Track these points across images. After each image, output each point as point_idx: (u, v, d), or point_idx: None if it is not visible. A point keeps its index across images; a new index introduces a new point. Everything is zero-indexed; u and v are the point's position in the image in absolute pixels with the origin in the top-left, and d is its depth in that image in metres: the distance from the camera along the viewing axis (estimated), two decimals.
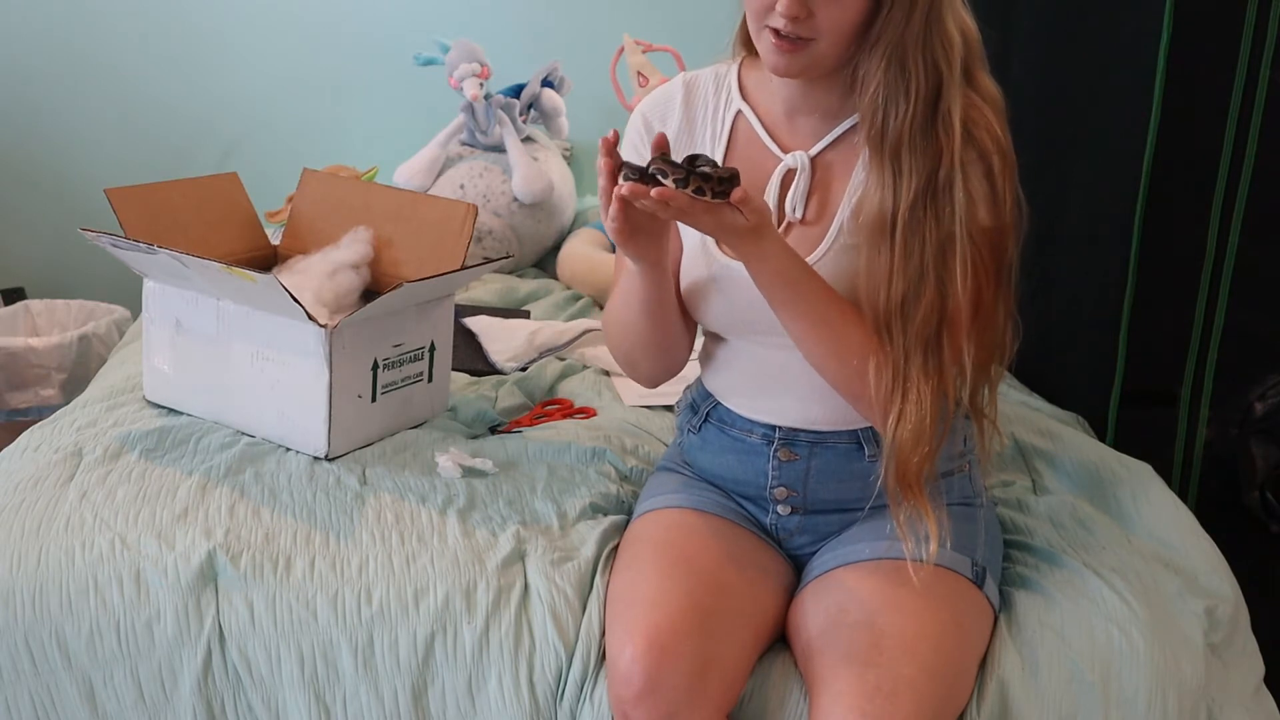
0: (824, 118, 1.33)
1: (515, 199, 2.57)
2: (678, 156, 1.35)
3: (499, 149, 2.64)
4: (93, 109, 3.02)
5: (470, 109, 2.63)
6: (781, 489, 1.39)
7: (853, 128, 1.31)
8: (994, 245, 1.25)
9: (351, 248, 1.83)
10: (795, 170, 1.34)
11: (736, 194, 1.16)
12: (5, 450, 1.64)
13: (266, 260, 1.94)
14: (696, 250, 1.37)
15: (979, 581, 1.31)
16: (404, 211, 1.85)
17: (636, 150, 1.42)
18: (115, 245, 1.59)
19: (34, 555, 1.36)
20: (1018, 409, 1.87)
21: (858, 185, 1.29)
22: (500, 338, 2.08)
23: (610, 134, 1.20)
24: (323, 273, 1.80)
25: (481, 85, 2.64)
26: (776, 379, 1.36)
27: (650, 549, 1.35)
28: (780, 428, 1.38)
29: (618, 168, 1.19)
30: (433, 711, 1.30)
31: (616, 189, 1.17)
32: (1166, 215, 1.78)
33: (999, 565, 1.40)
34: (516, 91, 2.73)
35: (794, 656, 1.30)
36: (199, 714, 1.32)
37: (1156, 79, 1.72)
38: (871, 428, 1.32)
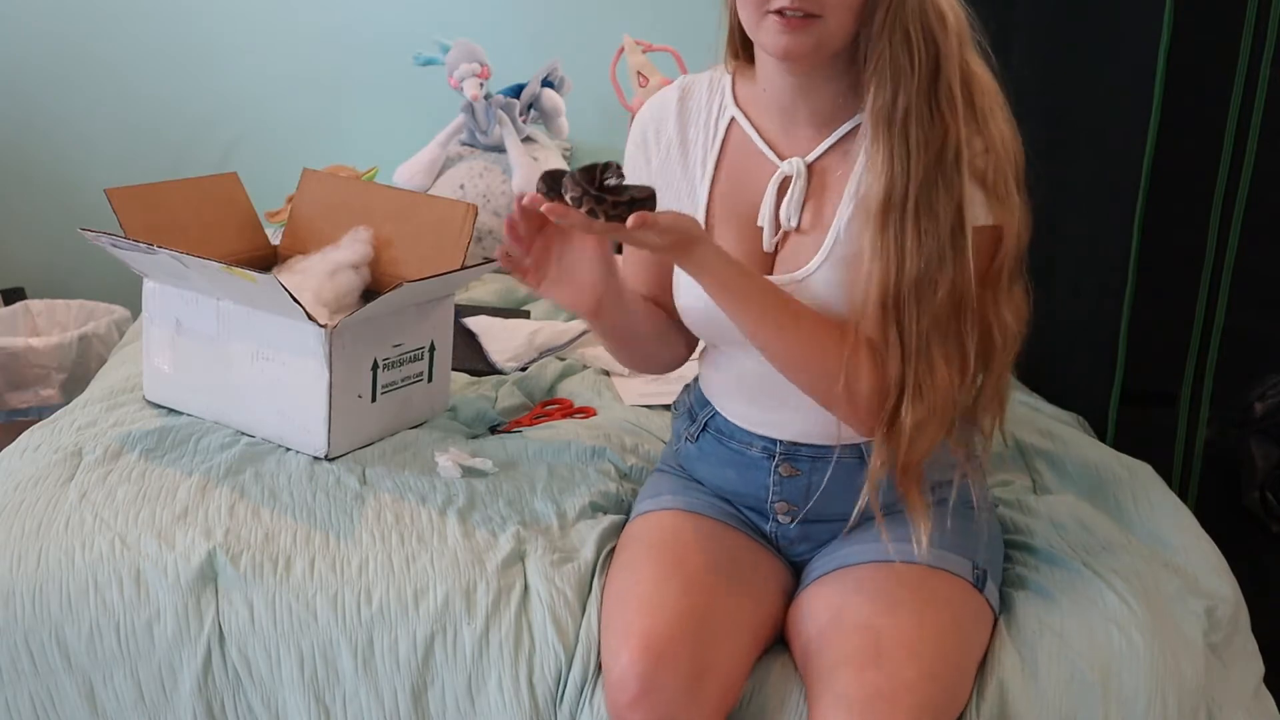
0: (820, 124, 1.31)
1: (515, 199, 2.57)
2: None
3: (499, 149, 2.64)
4: (93, 109, 3.02)
5: (470, 109, 2.63)
6: (783, 503, 1.38)
7: (849, 133, 1.29)
8: (986, 248, 1.23)
9: (351, 248, 1.83)
10: (790, 178, 1.32)
11: (633, 220, 1.12)
12: (5, 450, 1.64)
13: (266, 260, 1.94)
14: None
15: (979, 584, 1.31)
16: (404, 211, 1.85)
17: (634, 162, 1.41)
18: (115, 245, 1.59)
19: (34, 555, 1.36)
20: (1018, 409, 1.87)
21: (855, 189, 1.26)
22: (500, 338, 2.08)
23: (528, 199, 1.18)
24: (323, 273, 1.80)
25: (481, 85, 2.64)
26: (771, 392, 1.33)
27: (646, 551, 1.34)
28: (781, 442, 1.37)
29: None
30: (432, 712, 1.30)
31: (516, 198, 1.19)
32: (1166, 215, 1.78)
33: (1000, 567, 1.40)
34: (516, 91, 2.73)
35: (793, 658, 1.30)
36: (199, 714, 1.32)
37: (1156, 79, 1.72)
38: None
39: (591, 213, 1.13)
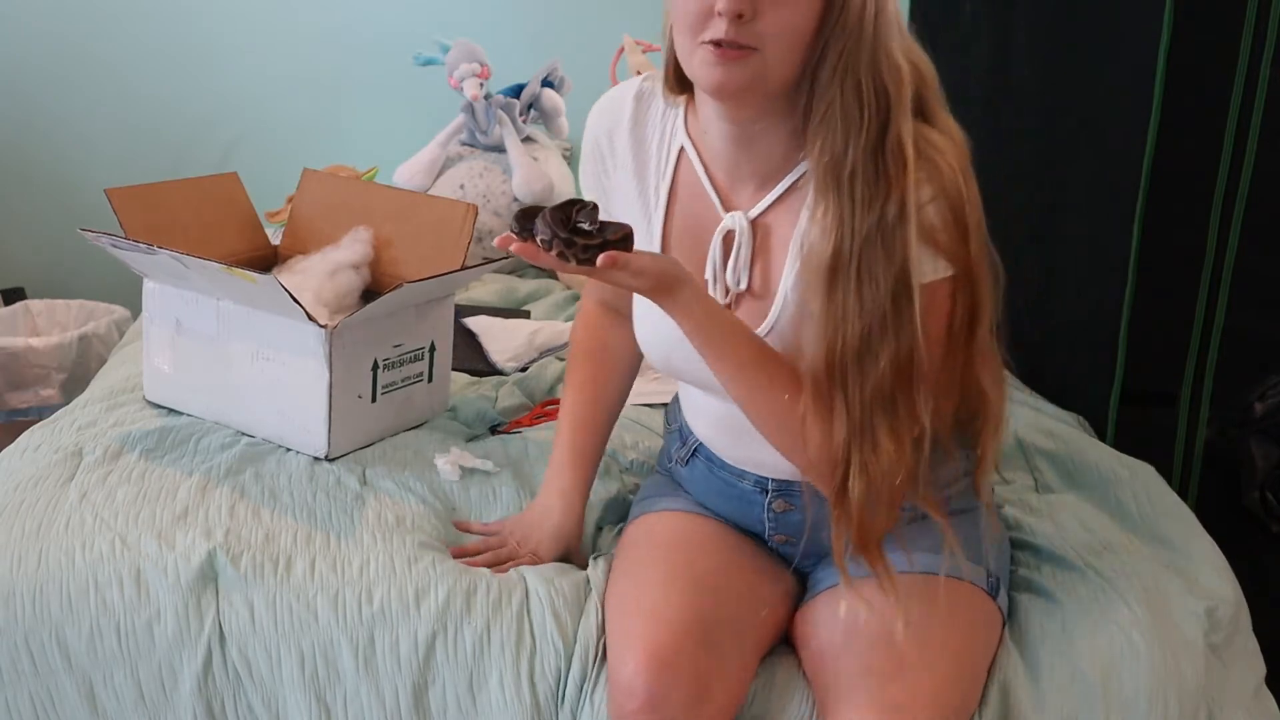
0: (763, 178, 1.23)
1: (515, 199, 2.57)
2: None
3: (499, 149, 2.64)
4: (93, 109, 3.02)
5: (470, 109, 2.63)
6: (781, 535, 1.36)
7: (793, 185, 1.22)
8: (945, 305, 1.16)
9: (351, 248, 1.84)
10: (734, 232, 1.24)
11: (603, 259, 1.08)
12: (5, 450, 1.63)
13: (267, 260, 1.94)
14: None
15: (993, 592, 1.30)
16: (404, 212, 1.86)
17: (591, 175, 1.36)
18: (115, 245, 1.59)
19: (34, 555, 1.36)
20: (1019, 408, 1.87)
21: (799, 248, 1.18)
22: (500, 338, 2.08)
23: (498, 239, 1.13)
24: (323, 273, 1.80)
25: (481, 85, 2.64)
26: (750, 431, 1.24)
27: (650, 554, 1.33)
28: (772, 479, 1.33)
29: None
30: (433, 711, 1.30)
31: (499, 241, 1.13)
32: (1166, 215, 1.78)
33: (1007, 570, 1.38)
34: (516, 91, 2.73)
35: (800, 663, 1.29)
36: (199, 714, 1.32)
37: (1156, 79, 1.72)
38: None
39: (562, 255, 1.10)
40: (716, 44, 1.10)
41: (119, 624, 1.32)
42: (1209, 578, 1.42)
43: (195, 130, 3.04)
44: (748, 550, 1.36)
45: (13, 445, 1.64)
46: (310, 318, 1.51)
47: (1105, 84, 1.89)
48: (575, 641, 1.29)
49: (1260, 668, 1.42)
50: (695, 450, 1.40)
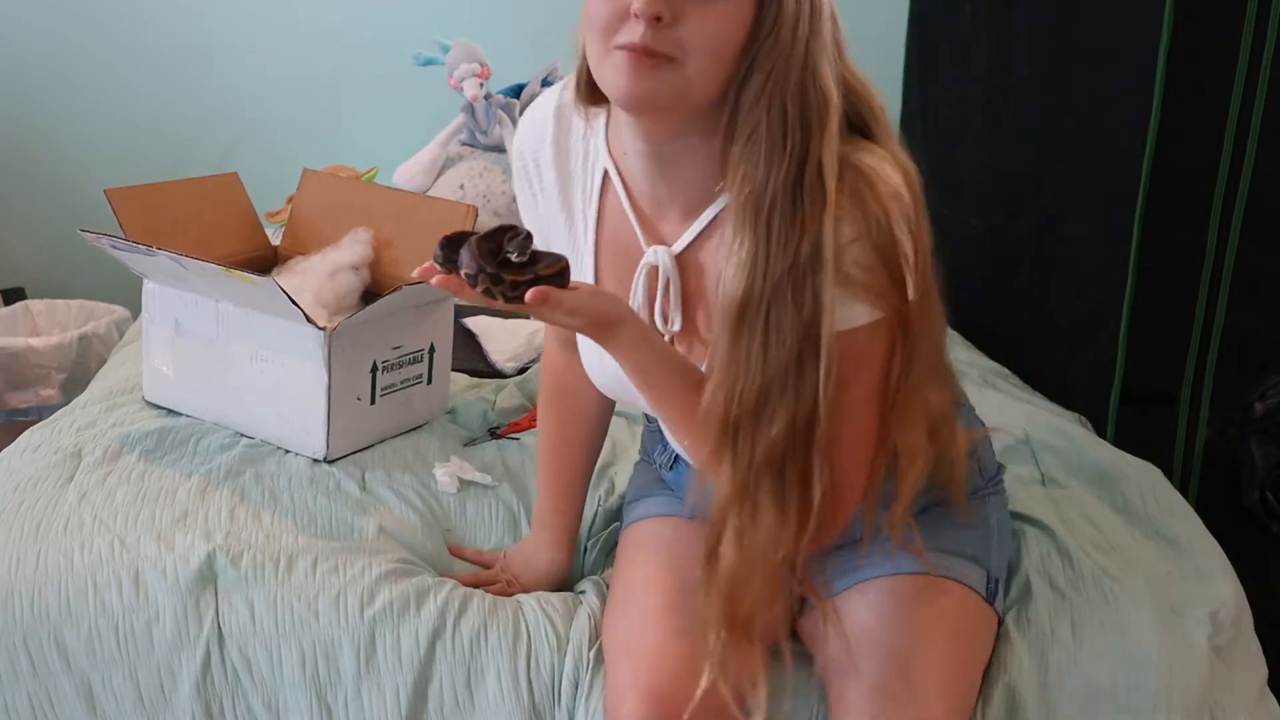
0: (686, 207, 1.13)
1: (515, 199, 2.57)
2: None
3: (499, 149, 2.64)
4: (93, 109, 3.02)
5: (470, 109, 2.63)
6: None
7: (716, 218, 1.11)
8: (876, 350, 1.07)
9: (351, 249, 1.84)
10: (657, 268, 1.14)
11: (532, 295, 0.98)
12: (5, 451, 1.63)
13: (267, 261, 1.94)
14: None
15: (991, 597, 1.27)
16: (404, 212, 1.86)
17: (523, 201, 1.28)
18: (114, 246, 1.59)
19: (33, 557, 1.36)
20: (1022, 406, 1.87)
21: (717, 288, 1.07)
22: (500, 338, 2.08)
23: (419, 271, 1.05)
24: (323, 274, 1.80)
25: (481, 85, 2.64)
26: None
27: (646, 577, 1.26)
28: None
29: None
30: (432, 709, 1.30)
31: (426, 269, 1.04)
32: (1166, 215, 1.78)
33: (1005, 566, 1.34)
34: (516, 91, 2.73)
35: (809, 656, 1.26)
36: (197, 716, 1.32)
37: (1156, 79, 1.72)
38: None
39: (488, 293, 1.00)
40: (631, 49, 1.00)
41: (118, 625, 1.32)
42: (1213, 579, 1.42)
43: (195, 130, 3.04)
44: None
45: (12, 446, 1.64)
46: (308, 319, 1.51)
47: (1105, 84, 1.89)
48: (568, 640, 1.29)
49: (1263, 670, 1.41)
50: (676, 457, 1.36)
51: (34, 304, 2.88)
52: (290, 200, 2.09)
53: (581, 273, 1.21)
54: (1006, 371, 2.07)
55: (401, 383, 1.67)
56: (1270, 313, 1.82)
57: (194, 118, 3.04)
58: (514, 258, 1.01)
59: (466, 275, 1.00)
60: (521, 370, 2.01)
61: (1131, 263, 1.80)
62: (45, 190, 3.06)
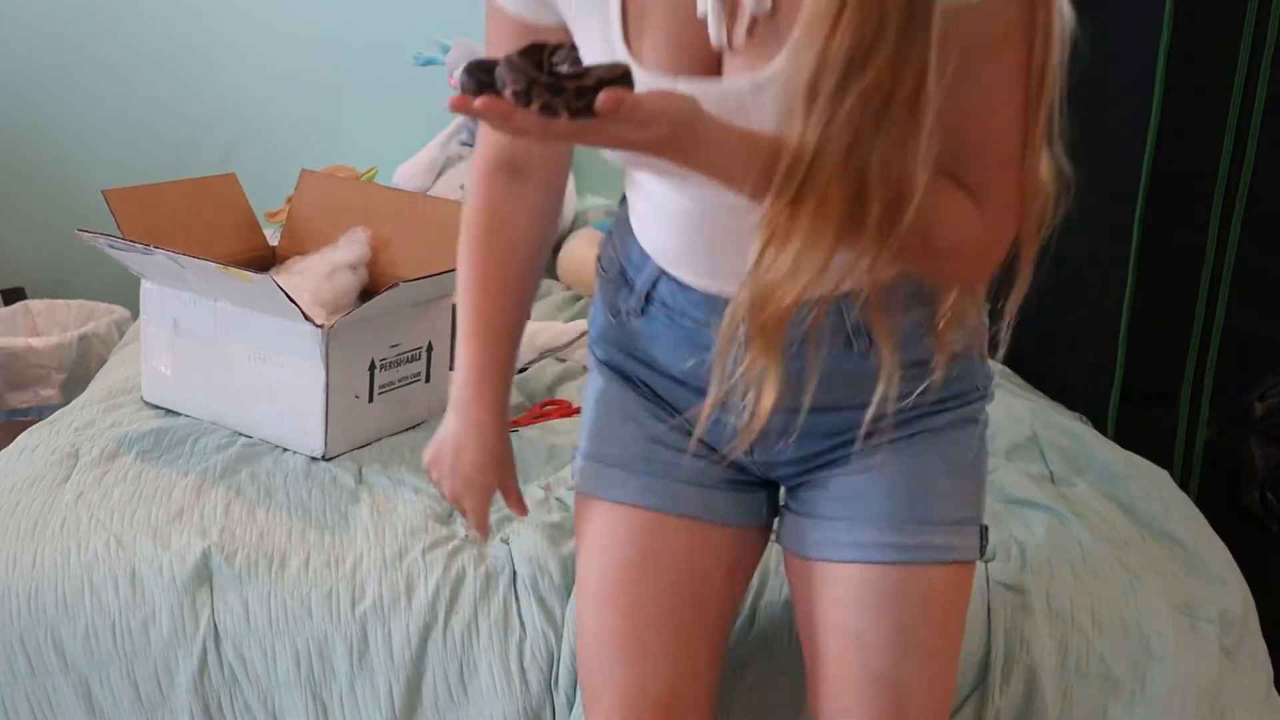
0: None
1: None
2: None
3: None
4: (93, 109, 3.02)
5: None
6: None
7: None
8: (1013, 16, 0.89)
9: (349, 248, 1.83)
10: None
11: (606, 100, 0.79)
12: (3, 451, 1.64)
13: (265, 261, 1.94)
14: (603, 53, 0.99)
15: (983, 550, 1.14)
16: (403, 212, 1.86)
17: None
18: (112, 246, 1.59)
19: (29, 556, 1.36)
20: (1027, 405, 1.87)
21: None
22: None
23: (452, 101, 0.82)
24: (320, 273, 1.80)
25: None
26: (726, 239, 1.00)
27: (615, 597, 1.13)
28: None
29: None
30: (426, 704, 1.30)
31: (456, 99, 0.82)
32: (1166, 215, 1.78)
33: (984, 500, 1.18)
34: None
35: (800, 639, 1.19)
36: (195, 713, 1.32)
37: (1156, 79, 1.72)
38: (860, 315, 1.02)
39: (548, 108, 0.80)
40: None
41: (114, 624, 1.32)
42: (1220, 579, 1.43)
43: (195, 130, 3.04)
44: (725, 547, 1.17)
45: (10, 446, 1.64)
46: (306, 318, 1.51)
47: (1105, 84, 1.89)
48: (564, 626, 1.28)
49: (1269, 669, 1.42)
50: (652, 290, 1.12)
51: (34, 304, 2.88)
52: (289, 200, 2.09)
53: (607, 14, 1.01)
54: (1009, 371, 2.06)
55: (399, 381, 1.67)
56: (1270, 313, 1.81)
57: (194, 118, 3.04)
58: (565, 69, 0.82)
59: (514, 94, 0.80)
60: (522, 370, 2.01)
61: (1131, 263, 1.80)
62: (45, 190, 3.06)
